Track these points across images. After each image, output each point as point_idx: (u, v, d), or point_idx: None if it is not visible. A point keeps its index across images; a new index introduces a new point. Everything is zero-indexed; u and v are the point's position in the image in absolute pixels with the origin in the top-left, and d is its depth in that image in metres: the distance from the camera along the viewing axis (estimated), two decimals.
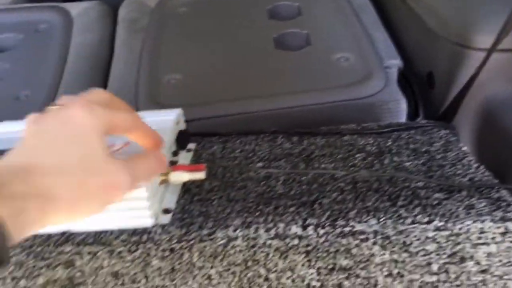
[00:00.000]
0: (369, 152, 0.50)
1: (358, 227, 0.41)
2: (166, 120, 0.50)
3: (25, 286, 0.40)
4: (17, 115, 0.73)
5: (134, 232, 0.41)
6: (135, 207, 0.41)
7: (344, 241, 0.40)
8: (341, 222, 0.41)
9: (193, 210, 0.43)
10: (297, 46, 0.79)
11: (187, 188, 0.46)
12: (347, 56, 0.73)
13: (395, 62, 0.73)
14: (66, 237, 0.41)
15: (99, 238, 0.41)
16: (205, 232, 0.41)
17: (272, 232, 0.40)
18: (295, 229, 0.40)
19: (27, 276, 0.40)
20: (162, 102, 0.71)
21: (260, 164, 0.49)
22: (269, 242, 0.40)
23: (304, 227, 0.40)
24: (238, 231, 0.40)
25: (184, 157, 0.51)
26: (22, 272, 0.40)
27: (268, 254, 0.40)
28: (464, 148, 0.50)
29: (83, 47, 0.82)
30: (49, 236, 0.41)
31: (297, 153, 0.51)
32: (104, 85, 0.78)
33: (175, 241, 0.40)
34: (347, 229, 0.41)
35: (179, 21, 0.85)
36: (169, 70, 0.76)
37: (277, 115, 0.69)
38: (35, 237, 0.41)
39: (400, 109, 0.69)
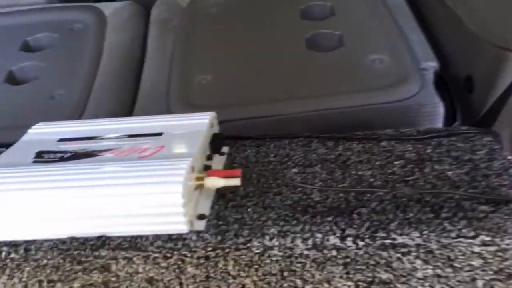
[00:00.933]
0: (408, 159, 0.48)
1: (400, 239, 0.39)
2: (200, 123, 0.49)
3: None
4: (51, 115, 0.73)
5: (169, 238, 0.40)
6: (171, 213, 0.39)
7: (384, 254, 0.38)
8: (381, 234, 0.39)
9: (228, 216, 0.42)
10: (329, 47, 0.77)
11: (221, 193, 0.45)
12: (381, 58, 0.70)
13: (431, 65, 0.70)
14: (102, 242, 0.40)
15: (134, 244, 0.40)
16: (240, 240, 0.39)
17: (310, 242, 0.38)
18: (333, 240, 0.38)
19: (63, 280, 0.39)
20: (193, 102, 0.70)
21: (295, 170, 0.47)
22: (306, 252, 0.38)
23: (343, 238, 0.38)
24: (274, 240, 0.39)
25: (218, 161, 0.49)
26: (59, 275, 0.39)
27: (305, 265, 0.38)
28: (510, 157, 0.47)
29: (116, 47, 0.81)
30: (86, 240, 0.41)
31: (333, 158, 0.49)
32: (136, 85, 0.77)
33: (210, 248, 0.39)
34: (387, 241, 0.38)
35: (210, 21, 0.83)
36: (200, 71, 0.74)
37: (308, 117, 0.67)
38: (71, 240, 0.41)
39: (437, 113, 0.66)
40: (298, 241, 0.38)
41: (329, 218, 0.40)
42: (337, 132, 0.60)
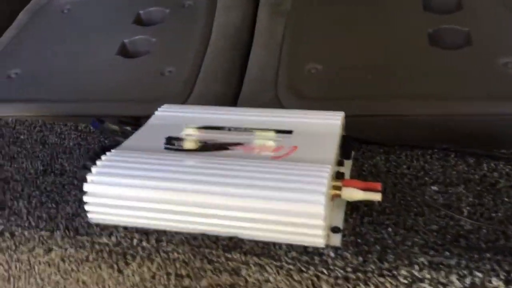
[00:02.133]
0: None
1: None
2: (332, 124, 0.45)
3: (188, 286, 0.38)
4: (160, 91, 0.72)
5: (305, 250, 0.37)
6: (308, 224, 0.36)
7: None
8: None
9: (366, 234, 0.38)
10: (455, 44, 0.69)
11: (353, 204, 0.41)
12: None
13: None
14: (234, 243, 0.38)
15: (267, 251, 0.37)
16: (385, 266, 0.35)
17: (467, 280, 0.34)
18: (496, 283, 0.33)
19: (191, 276, 0.38)
20: (302, 92, 0.65)
21: (435, 188, 0.42)
22: None
23: (508, 282, 0.33)
24: (425, 271, 0.34)
25: (347, 167, 0.45)
26: (187, 271, 0.38)
27: None
28: None
29: (225, 27, 0.78)
30: (217, 239, 0.39)
31: (478, 179, 0.43)
32: (243, 67, 0.74)
33: (350, 269, 0.35)
34: None
35: (323, 6, 0.78)
36: (310, 59, 0.70)
37: (428, 121, 0.60)
38: (203, 237, 0.39)
39: None
40: (454, 277, 0.34)
41: (488, 254, 0.35)
42: (461, 141, 0.54)
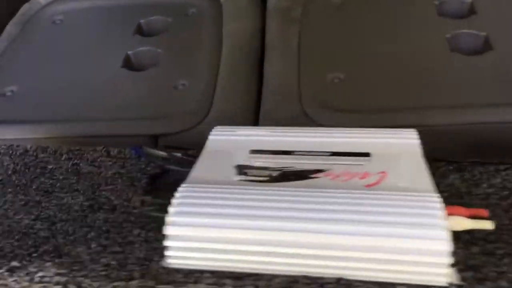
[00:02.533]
0: None
1: None
2: (409, 143, 0.41)
3: None
4: (176, 106, 0.67)
5: None
6: (431, 262, 0.32)
7: None
8: None
9: (482, 267, 0.34)
10: (474, 50, 0.68)
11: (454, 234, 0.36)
12: None
13: None
14: (343, 286, 0.33)
15: None
16: None
17: None
18: None
19: None
20: (329, 104, 0.62)
21: None
22: None
23: None
24: None
25: None
26: None
27: None
28: None
29: (236, 36, 0.74)
30: (322, 282, 0.33)
31: None
32: (260, 77, 0.70)
33: None
34: None
35: (338, 12, 0.75)
36: (331, 68, 0.67)
37: (454, 131, 0.58)
38: (304, 279, 0.33)
39: None
40: None
41: None
42: (492, 150, 0.52)
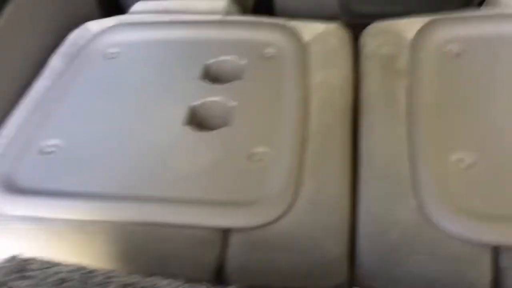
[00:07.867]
0: None
1: None
2: None
3: None
4: (254, 188, 0.47)
5: None
6: None
7: None
8: None
9: None
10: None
11: None
12: None
13: None
14: None
15: None
16: None
17: None
18: None
19: None
20: (454, 198, 0.44)
21: None
22: None
23: None
24: None
25: None
26: None
27: None
28: None
29: (326, 91, 0.55)
30: None
31: None
32: (354, 145, 0.52)
33: None
34: None
35: (457, 66, 0.56)
36: (457, 145, 0.48)
37: None
38: None
39: None
40: None
41: None
42: None
